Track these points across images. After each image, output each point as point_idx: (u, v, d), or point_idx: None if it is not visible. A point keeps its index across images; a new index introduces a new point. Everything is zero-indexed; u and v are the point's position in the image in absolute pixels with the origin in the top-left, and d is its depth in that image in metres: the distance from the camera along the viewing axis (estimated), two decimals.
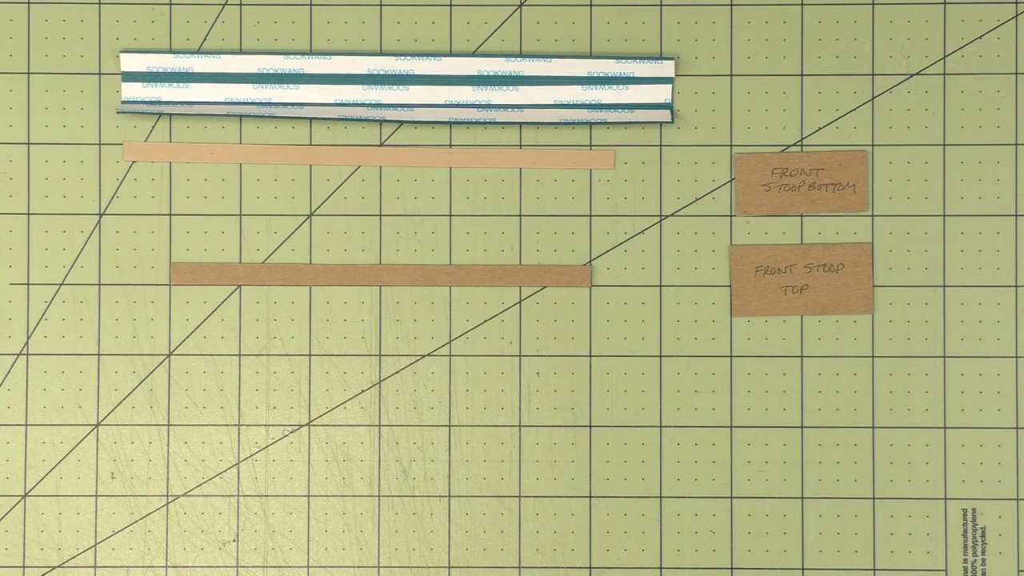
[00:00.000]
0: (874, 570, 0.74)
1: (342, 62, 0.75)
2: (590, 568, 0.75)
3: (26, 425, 0.75)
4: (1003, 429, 0.75)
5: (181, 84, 0.75)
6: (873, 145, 0.75)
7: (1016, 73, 0.75)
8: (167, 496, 0.75)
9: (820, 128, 0.75)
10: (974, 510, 0.74)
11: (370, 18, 0.76)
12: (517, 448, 0.75)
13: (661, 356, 0.75)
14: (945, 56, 0.75)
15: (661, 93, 0.75)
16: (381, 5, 0.76)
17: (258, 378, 0.75)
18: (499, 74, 0.75)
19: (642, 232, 0.75)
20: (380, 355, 0.75)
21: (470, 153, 0.75)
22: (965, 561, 0.74)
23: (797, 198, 0.75)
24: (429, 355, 0.75)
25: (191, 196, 0.75)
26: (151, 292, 0.75)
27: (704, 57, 0.76)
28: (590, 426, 0.75)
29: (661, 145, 0.75)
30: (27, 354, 0.75)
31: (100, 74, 0.75)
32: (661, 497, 0.75)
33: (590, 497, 0.75)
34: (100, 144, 0.75)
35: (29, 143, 0.75)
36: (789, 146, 0.75)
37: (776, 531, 0.74)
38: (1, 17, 0.76)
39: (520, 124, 0.75)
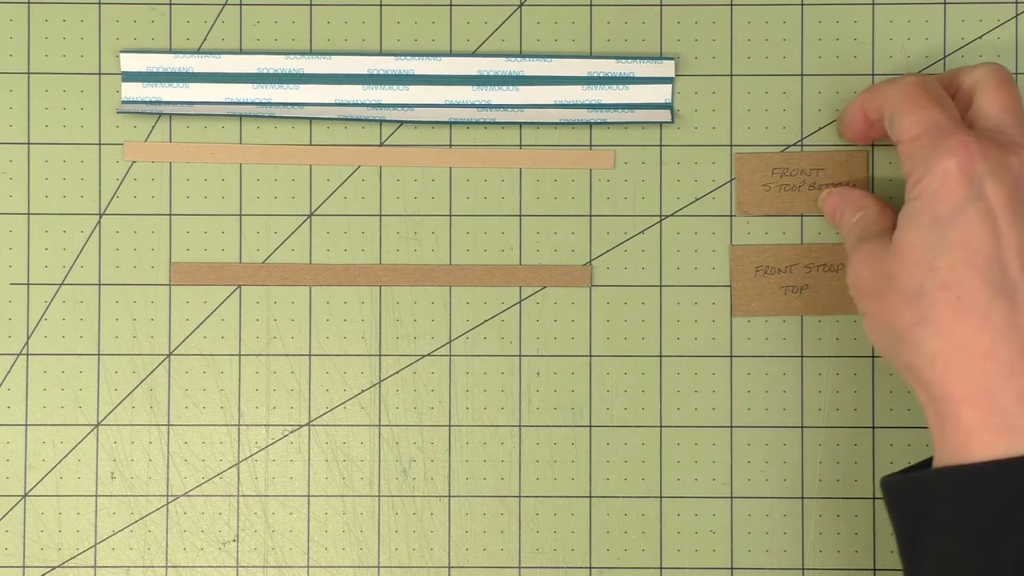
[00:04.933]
0: (874, 570, 0.74)
1: (342, 62, 0.75)
2: (590, 568, 0.75)
3: (26, 425, 0.75)
4: None
5: (181, 84, 0.75)
6: (873, 145, 0.75)
7: (1016, 73, 0.75)
8: (167, 496, 0.75)
9: (820, 128, 0.75)
10: None
11: (370, 18, 0.76)
12: (517, 448, 0.75)
13: (661, 356, 0.75)
14: (945, 56, 0.75)
15: (661, 93, 0.75)
16: (381, 5, 0.76)
17: (258, 378, 0.75)
18: (499, 74, 0.75)
19: (642, 232, 0.75)
20: (380, 355, 0.75)
21: (470, 153, 0.75)
22: None
23: (797, 198, 0.75)
24: (429, 355, 0.75)
25: (191, 196, 0.75)
26: (151, 292, 0.75)
27: (704, 57, 0.75)
28: (590, 426, 0.75)
29: (661, 145, 0.75)
30: (27, 354, 0.75)
31: (100, 74, 0.75)
32: (661, 497, 0.75)
33: (590, 497, 0.75)
34: (100, 144, 0.75)
35: (29, 143, 0.75)
36: (789, 146, 0.75)
37: (776, 531, 0.74)
38: (1, 17, 0.76)
39: (520, 124, 0.75)
